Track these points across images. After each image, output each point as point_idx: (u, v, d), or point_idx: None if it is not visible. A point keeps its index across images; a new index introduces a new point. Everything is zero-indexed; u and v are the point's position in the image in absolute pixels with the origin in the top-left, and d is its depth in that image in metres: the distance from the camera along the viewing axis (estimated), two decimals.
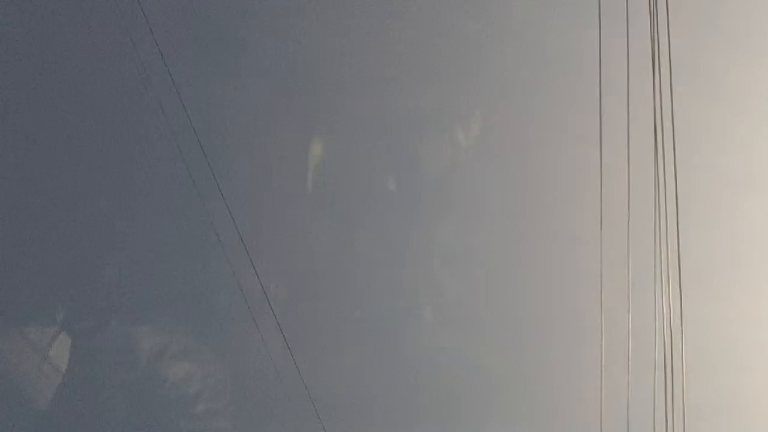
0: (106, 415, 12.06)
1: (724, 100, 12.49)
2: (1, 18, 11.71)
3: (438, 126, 12.99)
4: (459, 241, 12.93)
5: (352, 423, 12.74)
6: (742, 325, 12.44)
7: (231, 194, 12.97)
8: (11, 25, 11.78)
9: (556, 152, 12.19)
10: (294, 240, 12.73)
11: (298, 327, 12.69)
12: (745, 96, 12.54)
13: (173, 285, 12.35)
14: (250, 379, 12.47)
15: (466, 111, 13.01)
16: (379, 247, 12.76)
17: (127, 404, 12.10)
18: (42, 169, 12.18)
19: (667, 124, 9.11)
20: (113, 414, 12.07)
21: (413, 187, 12.93)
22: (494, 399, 13.00)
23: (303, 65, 12.89)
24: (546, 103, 12.38)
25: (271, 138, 12.82)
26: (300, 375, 12.61)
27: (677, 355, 8.82)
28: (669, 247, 8.71)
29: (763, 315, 12.38)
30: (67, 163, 12.34)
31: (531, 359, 12.40)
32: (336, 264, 12.76)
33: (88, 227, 12.39)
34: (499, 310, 12.96)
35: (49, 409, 12.14)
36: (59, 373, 12.22)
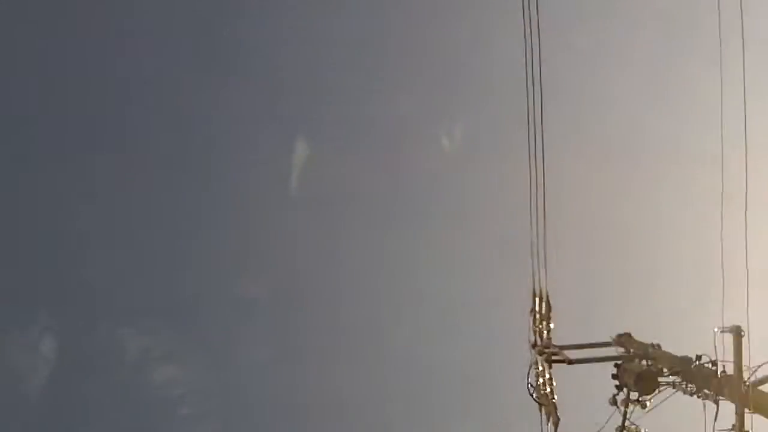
0: (93, 416, 12.00)
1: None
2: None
3: (424, 131, 13.04)
4: (444, 245, 12.98)
5: (340, 424, 12.75)
6: None
7: (216, 198, 12.97)
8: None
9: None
10: (279, 243, 12.74)
11: (285, 330, 12.69)
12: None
13: (162, 289, 12.32)
14: (238, 381, 12.45)
15: (452, 116, 13.08)
16: (363, 250, 12.78)
17: (114, 406, 12.03)
18: (41, 169, 12.14)
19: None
20: (100, 415, 12.01)
21: (398, 191, 12.96)
22: (478, 400, 13.04)
23: (289, 69, 12.91)
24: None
25: (257, 142, 12.84)
26: (287, 377, 12.61)
27: None
28: None
29: None
30: (64, 163, 12.31)
31: (518, 362, 12.47)
32: (321, 267, 12.77)
33: (77, 231, 12.35)
34: (485, 313, 13.01)
35: (36, 408, 12.06)
36: (46, 373, 12.15)
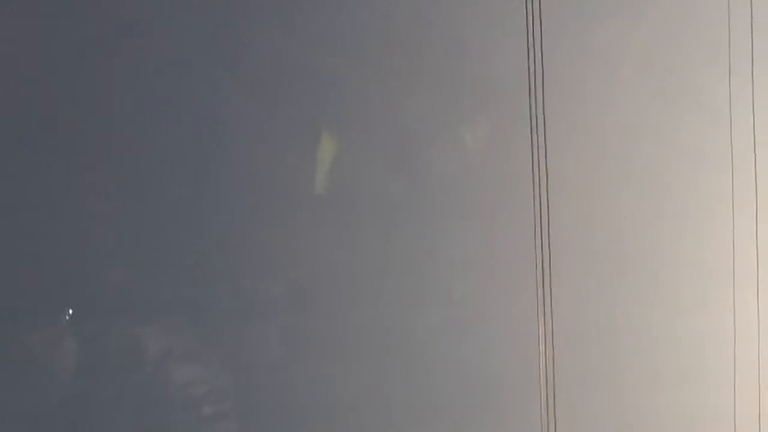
0: (112, 418, 11.91)
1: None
2: None
3: (446, 128, 12.88)
4: (467, 246, 12.83)
5: (358, 426, 12.64)
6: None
7: (235, 196, 12.87)
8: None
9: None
10: (299, 243, 12.62)
11: (304, 331, 12.56)
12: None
13: (179, 287, 12.20)
14: (256, 381, 12.35)
15: (475, 112, 12.92)
16: (384, 251, 12.64)
17: (133, 407, 11.95)
18: (45, 167, 12.02)
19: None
20: (118, 416, 11.92)
21: (420, 191, 12.81)
22: (499, 406, 12.94)
23: (307, 64, 12.77)
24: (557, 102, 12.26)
25: (275, 139, 12.72)
26: (304, 379, 12.49)
27: None
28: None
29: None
30: (70, 161, 12.19)
31: (536, 366, 12.31)
32: (341, 268, 12.63)
33: (93, 227, 12.25)
34: (507, 316, 12.89)
35: (53, 411, 11.99)
36: (64, 375, 12.08)
